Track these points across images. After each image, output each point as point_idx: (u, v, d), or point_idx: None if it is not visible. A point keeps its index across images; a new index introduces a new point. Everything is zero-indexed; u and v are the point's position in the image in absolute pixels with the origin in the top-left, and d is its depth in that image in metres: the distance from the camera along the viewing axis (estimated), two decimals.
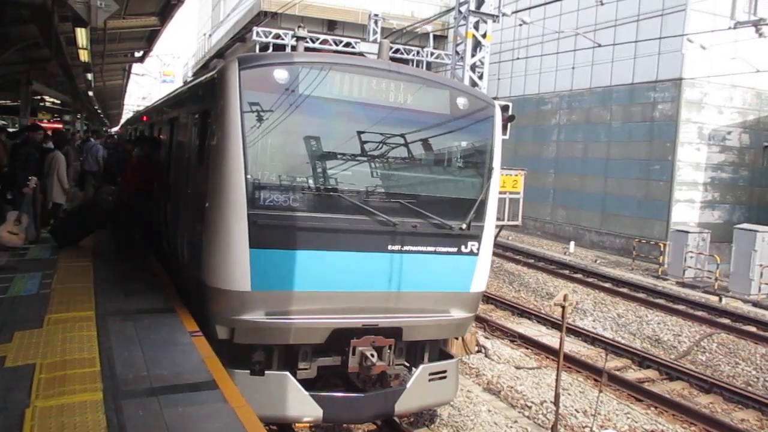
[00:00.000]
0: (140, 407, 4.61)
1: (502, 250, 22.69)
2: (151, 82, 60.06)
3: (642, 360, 11.66)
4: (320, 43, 22.37)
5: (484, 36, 13.75)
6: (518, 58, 23.39)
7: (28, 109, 22.36)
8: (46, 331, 6.21)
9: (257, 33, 22.36)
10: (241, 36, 33.25)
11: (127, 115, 49.41)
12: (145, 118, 16.14)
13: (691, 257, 19.05)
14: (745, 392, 10.25)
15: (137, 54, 23.09)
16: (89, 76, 20.60)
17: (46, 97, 28.34)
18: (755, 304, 16.56)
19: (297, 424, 7.53)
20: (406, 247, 6.81)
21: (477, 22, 13.81)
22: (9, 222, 9.72)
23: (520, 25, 20.59)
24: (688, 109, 22.55)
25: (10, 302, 7.20)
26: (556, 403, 8.46)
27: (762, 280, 17.28)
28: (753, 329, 13.77)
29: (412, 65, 22.41)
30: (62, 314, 6.78)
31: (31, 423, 4.26)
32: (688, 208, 22.94)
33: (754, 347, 12.61)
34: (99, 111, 45.79)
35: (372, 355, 6.71)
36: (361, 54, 20.41)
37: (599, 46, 19.19)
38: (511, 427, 8.36)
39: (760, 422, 9.43)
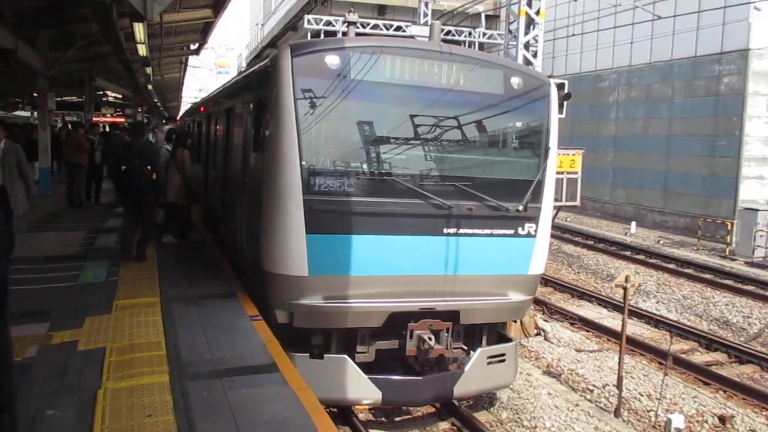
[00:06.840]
0: (205, 389, 4.76)
1: (560, 231, 22.24)
2: (207, 74, 61.45)
3: (709, 342, 11.23)
4: (371, 28, 22.33)
5: (537, 13, 13.43)
6: (573, 35, 22.62)
7: (92, 104, 23.23)
8: (115, 317, 6.47)
9: (308, 20, 22.48)
10: (292, 24, 33.45)
11: (185, 107, 50.64)
12: (202, 108, 16.50)
13: (761, 236, 18.22)
14: None
15: (193, 46, 23.58)
16: (148, 70, 21.15)
17: (109, 92, 29.33)
18: None
19: (357, 407, 7.62)
20: (462, 230, 6.75)
21: (530, 0, 13.50)
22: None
23: (575, 0, 20.00)
24: (756, 81, 21.44)
25: (80, 289, 7.54)
26: (619, 386, 8.29)
27: None
28: None
29: (465, 47, 22.11)
30: (129, 300, 7.05)
31: (103, 403, 4.46)
32: (758, 185, 21.90)
33: None
34: (158, 104, 47.09)
35: (429, 339, 6.71)
36: (412, 37, 20.25)
37: (659, 18, 18.43)
38: (573, 410, 8.21)
39: None
